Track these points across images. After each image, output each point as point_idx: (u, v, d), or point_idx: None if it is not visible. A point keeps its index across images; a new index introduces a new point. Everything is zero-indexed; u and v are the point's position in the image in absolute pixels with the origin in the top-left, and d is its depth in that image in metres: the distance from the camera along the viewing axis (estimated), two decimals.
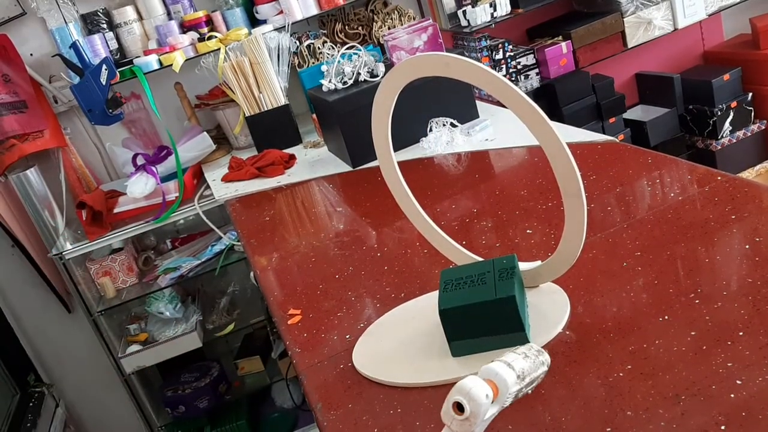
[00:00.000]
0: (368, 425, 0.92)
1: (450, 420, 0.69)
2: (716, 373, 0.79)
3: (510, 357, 0.74)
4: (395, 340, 1.07)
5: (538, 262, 1.06)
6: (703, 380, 0.79)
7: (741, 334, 0.84)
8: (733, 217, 1.11)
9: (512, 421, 0.83)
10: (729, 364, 0.80)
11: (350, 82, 2.07)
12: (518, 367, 0.73)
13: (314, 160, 2.28)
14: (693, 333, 0.87)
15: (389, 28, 2.72)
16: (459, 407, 0.69)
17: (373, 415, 0.94)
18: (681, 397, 0.77)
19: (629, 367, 0.85)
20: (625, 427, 0.76)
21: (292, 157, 2.32)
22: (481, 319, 0.95)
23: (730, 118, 3.22)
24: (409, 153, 1.99)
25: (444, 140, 1.96)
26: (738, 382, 0.76)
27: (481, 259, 1.13)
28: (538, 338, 0.96)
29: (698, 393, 0.77)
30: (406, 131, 2.01)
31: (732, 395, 0.75)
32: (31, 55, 2.69)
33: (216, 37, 2.62)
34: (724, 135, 3.24)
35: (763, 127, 3.30)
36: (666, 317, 0.92)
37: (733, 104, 3.21)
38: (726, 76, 3.19)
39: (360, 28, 2.87)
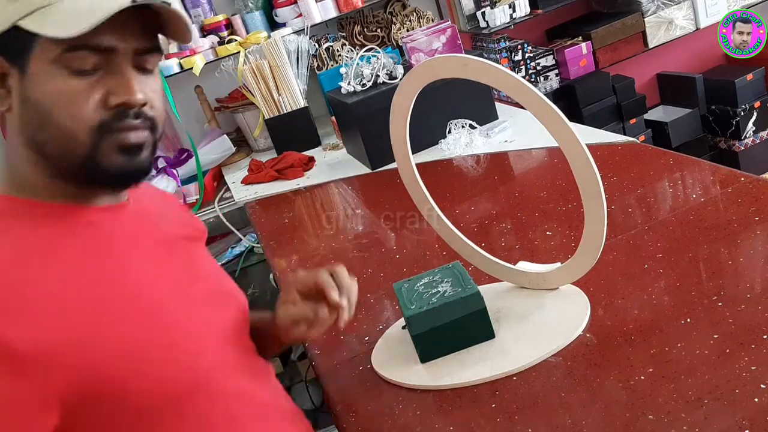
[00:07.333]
0: (387, 426, 0.92)
1: None
2: (740, 376, 0.78)
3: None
4: None
5: (558, 264, 1.05)
6: (726, 384, 0.78)
7: (765, 337, 0.83)
8: (757, 218, 1.10)
9: (532, 424, 0.83)
10: (753, 368, 0.78)
11: (369, 84, 2.07)
12: None
13: (333, 162, 2.29)
14: (716, 336, 0.86)
15: (408, 30, 2.72)
16: None
17: (392, 417, 0.94)
18: (704, 401, 0.76)
19: (651, 370, 0.84)
20: (647, 431, 0.75)
21: (311, 159, 2.33)
22: (453, 333, 1.00)
23: (754, 118, 3.18)
24: (428, 155, 1.99)
25: (463, 142, 1.95)
26: (762, 386, 0.75)
27: (502, 262, 1.12)
28: (558, 340, 0.95)
29: (721, 397, 0.76)
30: (425, 133, 2.01)
31: (756, 399, 0.74)
32: None
33: (236, 40, 2.64)
34: (747, 135, 3.20)
35: None
36: (688, 320, 0.91)
37: (757, 104, 3.17)
38: (749, 76, 3.14)
39: (379, 30, 2.88)
